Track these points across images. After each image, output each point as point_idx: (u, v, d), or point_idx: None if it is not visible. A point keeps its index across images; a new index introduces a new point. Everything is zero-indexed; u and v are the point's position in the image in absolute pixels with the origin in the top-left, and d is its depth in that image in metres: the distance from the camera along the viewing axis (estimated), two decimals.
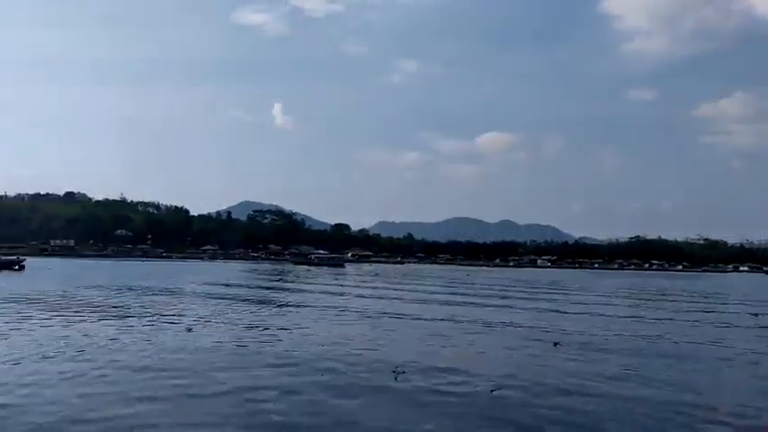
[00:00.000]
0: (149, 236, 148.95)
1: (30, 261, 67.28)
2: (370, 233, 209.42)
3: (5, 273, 48.49)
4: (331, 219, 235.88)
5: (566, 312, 27.84)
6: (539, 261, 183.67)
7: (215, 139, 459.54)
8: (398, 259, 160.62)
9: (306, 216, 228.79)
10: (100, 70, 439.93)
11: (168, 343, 14.83)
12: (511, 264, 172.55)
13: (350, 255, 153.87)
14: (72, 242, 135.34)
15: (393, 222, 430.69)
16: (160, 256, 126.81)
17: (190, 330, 17.22)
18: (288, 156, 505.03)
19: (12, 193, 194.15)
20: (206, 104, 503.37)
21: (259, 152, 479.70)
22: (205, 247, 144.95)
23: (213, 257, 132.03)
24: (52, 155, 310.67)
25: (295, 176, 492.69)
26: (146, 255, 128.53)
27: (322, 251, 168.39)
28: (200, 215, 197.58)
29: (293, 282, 50.62)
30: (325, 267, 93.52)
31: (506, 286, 52.61)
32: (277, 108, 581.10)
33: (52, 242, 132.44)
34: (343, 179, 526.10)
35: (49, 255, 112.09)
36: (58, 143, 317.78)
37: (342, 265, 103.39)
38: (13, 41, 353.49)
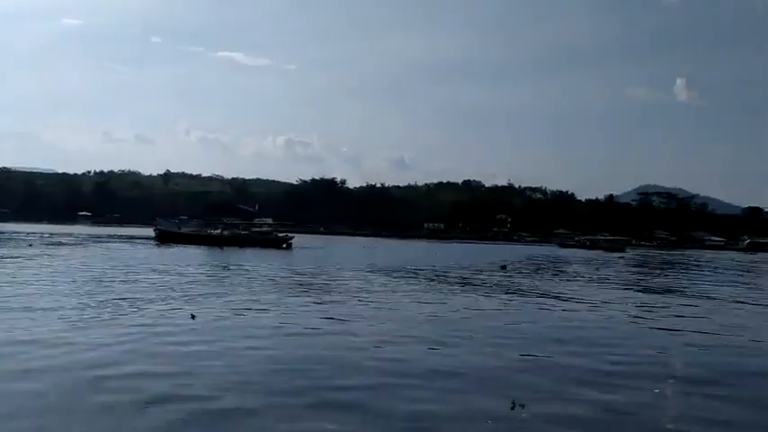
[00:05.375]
0: (508, 219, 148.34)
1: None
2: None
3: (273, 252, 48.59)
4: (750, 202, 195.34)
5: None
6: None
7: (612, 122, 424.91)
8: None
9: (716, 200, 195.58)
10: (500, 65, 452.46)
11: None
12: None
13: (747, 241, 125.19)
14: (442, 225, 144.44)
15: None
16: (512, 240, 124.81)
17: None
18: (694, 134, 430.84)
19: (421, 182, 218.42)
20: (600, 87, 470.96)
21: (661, 132, 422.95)
22: (558, 231, 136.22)
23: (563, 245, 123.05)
24: (454, 148, 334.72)
25: (702, 157, 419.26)
26: (499, 238, 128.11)
27: (717, 238, 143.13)
28: (587, 200, 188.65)
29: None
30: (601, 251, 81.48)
31: None
32: (680, 83, 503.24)
33: (426, 225, 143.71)
34: (763, 157, 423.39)
35: (421, 238, 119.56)
36: (462, 137, 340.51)
37: (621, 249, 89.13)
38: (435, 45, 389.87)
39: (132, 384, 7.80)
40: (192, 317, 13.02)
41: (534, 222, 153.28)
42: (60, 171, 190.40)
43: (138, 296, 16.31)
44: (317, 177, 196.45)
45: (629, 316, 17.42)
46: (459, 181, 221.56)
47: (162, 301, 15.78)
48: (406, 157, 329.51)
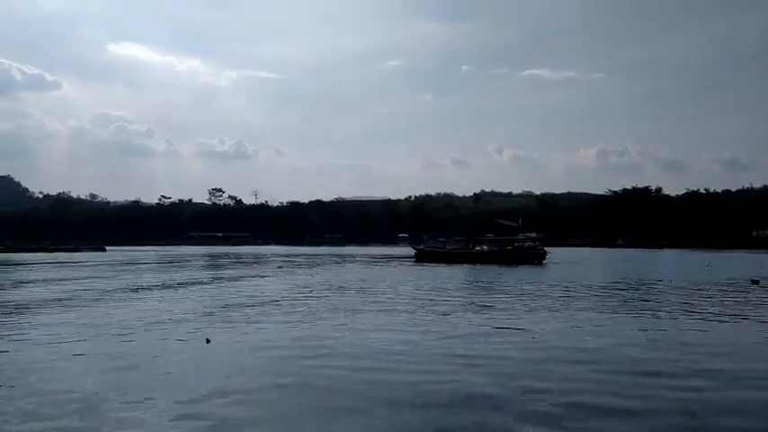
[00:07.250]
0: None
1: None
2: None
3: (525, 267, 46.87)
4: None
5: None
6: None
7: None
8: None
9: None
10: None
11: None
12: None
13: None
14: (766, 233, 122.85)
15: None
16: None
17: None
18: None
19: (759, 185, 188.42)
20: None
21: None
22: None
23: None
24: None
25: None
26: None
27: None
28: None
29: None
30: None
31: None
32: None
33: (754, 233, 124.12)
34: None
35: (744, 248, 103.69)
36: None
37: None
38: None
39: None
40: (207, 341, 13.59)
41: None
42: (387, 197, 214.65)
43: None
44: (629, 187, 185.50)
45: None
46: None
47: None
48: (740, 156, 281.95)
